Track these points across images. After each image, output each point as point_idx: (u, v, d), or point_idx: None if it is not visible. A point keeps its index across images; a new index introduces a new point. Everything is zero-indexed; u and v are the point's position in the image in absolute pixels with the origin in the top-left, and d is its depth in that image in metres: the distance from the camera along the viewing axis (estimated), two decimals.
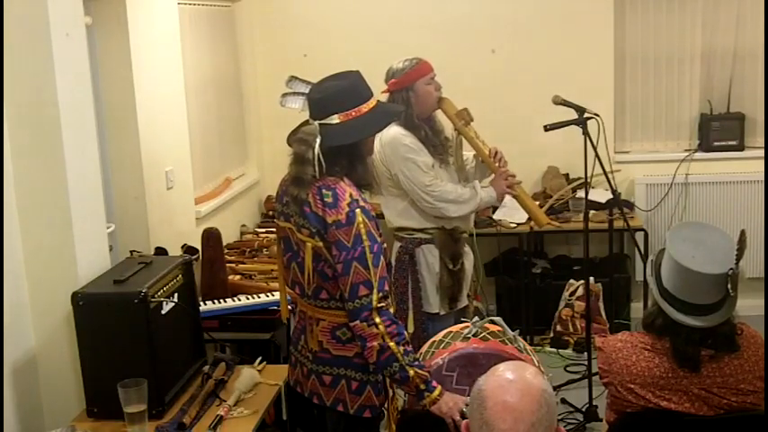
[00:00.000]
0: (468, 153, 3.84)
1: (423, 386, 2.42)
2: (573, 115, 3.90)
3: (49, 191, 2.71)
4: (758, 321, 4.10)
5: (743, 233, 2.38)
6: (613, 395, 2.48)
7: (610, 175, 3.93)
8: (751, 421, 2.38)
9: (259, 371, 2.99)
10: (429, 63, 3.67)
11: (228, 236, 4.60)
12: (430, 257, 3.71)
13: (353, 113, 2.48)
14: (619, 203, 4.12)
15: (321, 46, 5.31)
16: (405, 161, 3.58)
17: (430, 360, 2.53)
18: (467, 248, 3.82)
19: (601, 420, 3.89)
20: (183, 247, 3.87)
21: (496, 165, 3.72)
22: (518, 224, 4.94)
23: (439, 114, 3.76)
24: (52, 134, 2.68)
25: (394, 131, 3.58)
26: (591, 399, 4.10)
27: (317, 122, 2.47)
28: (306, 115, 2.54)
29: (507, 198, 3.97)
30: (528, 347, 2.59)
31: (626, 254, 5.37)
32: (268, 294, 3.72)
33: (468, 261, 3.84)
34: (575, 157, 4.42)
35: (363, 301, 2.39)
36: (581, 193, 4.66)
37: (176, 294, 2.85)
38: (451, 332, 2.61)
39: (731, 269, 2.35)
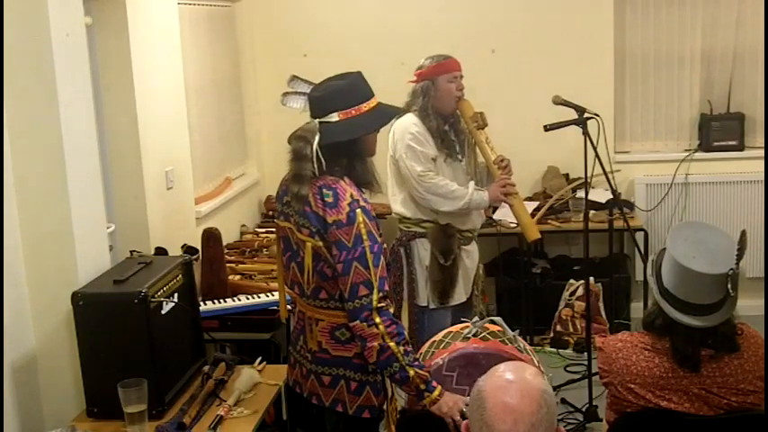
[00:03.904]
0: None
1: (423, 386, 2.42)
2: (573, 115, 3.90)
3: (49, 191, 2.72)
4: (758, 321, 4.10)
5: (743, 234, 2.37)
6: (613, 395, 2.48)
7: (610, 175, 3.93)
8: (751, 421, 2.38)
9: (259, 371, 2.99)
10: (456, 62, 3.75)
11: (228, 236, 4.60)
12: (422, 251, 3.78)
13: (353, 112, 2.48)
14: (619, 203, 4.12)
15: (321, 46, 5.31)
16: (407, 148, 3.66)
17: (430, 360, 2.53)
18: (469, 247, 3.87)
19: (601, 420, 3.89)
20: (183, 247, 3.87)
21: (499, 172, 3.75)
22: (518, 224, 4.94)
23: None
24: (52, 134, 2.68)
25: (407, 119, 3.69)
26: (591, 399, 4.10)
27: (316, 120, 2.47)
28: (307, 116, 2.54)
29: None
30: (528, 347, 2.59)
31: (626, 254, 5.37)
32: (268, 294, 3.72)
33: (471, 259, 3.88)
34: (575, 157, 4.42)
35: (363, 301, 2.39)
36: (581, 193, 4.65)
37: (176, 294, 2.86)
38: (451, 332, 2.61)
39: (731, 269, 2.35)
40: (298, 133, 2.49)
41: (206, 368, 2.96)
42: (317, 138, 2.43)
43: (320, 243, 2.44)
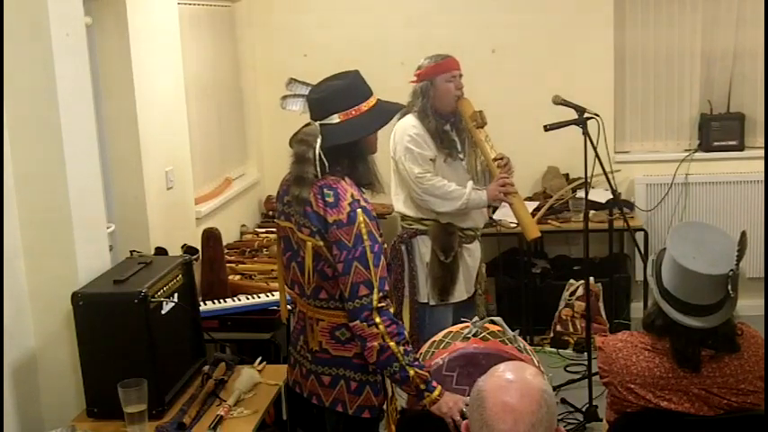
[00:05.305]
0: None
1: (423, 386, 2.42)
2: (573, 115, 3.90)
3: (49, 191, 2.71)
4: (758, 321, 4.09)
5: (743, 234, 2.37)
6: (613, 395, 2.48)
7: (610, 175, 3.93)
8: (751, 421, 2.38)
9: (259, 371, 2.99)
10: (455, 61, 3.76)
11: (228, 236, 4.60)
12: (423, 248, 3.81)
13: (353, 112, 2.48)
14: (619, 203, 4.12)
15: (321, 46, 5.31)
16: (405, 150, 3.70)
17: (430, 360, 2.54)
18: (472, 246, 3.88)
19: (601, 420, 3.89)
20: (183, 247, 3.87)
21: (498, 170, 3.75)
22: (518, 224, 4.93)
23: None
24: (52, 134, 2.68)
25: (406, 120, 3.72)
26: (591, 399, 4.10)
27: (317, 123, 2.47)
28: (308, 117, 2.54)
29: None
30: (528, 347, 2.60)
31: (626, 254, 5.37)
32: (268, 294, 3.72)
33: (473, 258, 3.90)
34: (575, 157, 4.42)
35: (364, 300, 2.39)
36: (581, 193, 4.65)
37: (176, 294, 2.86)
38: (451, 332, 2.61)
39: (731, 270, 2.34)
40: (299, 136, 2.49)
41: (206, 368, 2.96)
42: (318, 141, 2.43)
43: (321, 243, 2.44)
